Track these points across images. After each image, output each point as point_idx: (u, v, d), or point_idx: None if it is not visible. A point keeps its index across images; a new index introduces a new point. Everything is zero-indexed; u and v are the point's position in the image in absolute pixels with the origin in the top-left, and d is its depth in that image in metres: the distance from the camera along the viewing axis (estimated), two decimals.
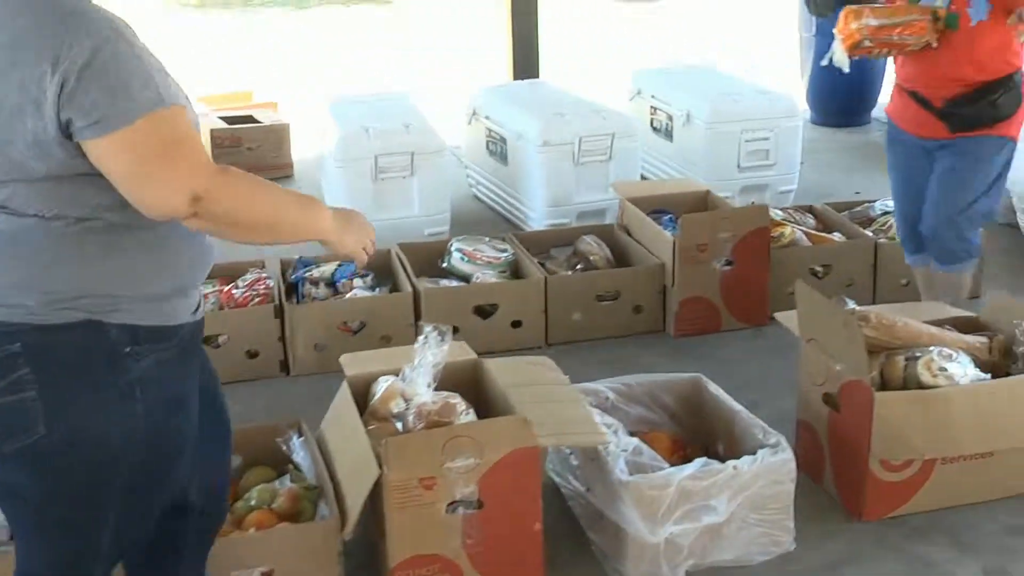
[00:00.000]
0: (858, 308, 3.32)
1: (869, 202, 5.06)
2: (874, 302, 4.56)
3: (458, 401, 2.99)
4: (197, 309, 2.16)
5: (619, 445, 2.98)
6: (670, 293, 4.39)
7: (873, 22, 3.56)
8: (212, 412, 2.32)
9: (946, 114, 3.70)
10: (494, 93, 6.04)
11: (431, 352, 2.98)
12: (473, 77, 8.00)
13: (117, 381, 2.00)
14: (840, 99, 7.56)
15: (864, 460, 3.11)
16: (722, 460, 2.99)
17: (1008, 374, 3.24)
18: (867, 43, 3.59)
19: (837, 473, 3.28)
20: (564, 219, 5.34)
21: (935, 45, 3.62)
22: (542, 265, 4.47)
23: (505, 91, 6.10)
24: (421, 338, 3.01)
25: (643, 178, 6.22)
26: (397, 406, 3.04)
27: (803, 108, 7.63)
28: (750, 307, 4.39)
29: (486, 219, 5.88)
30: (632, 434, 3.30)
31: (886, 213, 4.90)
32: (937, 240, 3.89)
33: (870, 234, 4.72)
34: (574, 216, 5.37)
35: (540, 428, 2.85)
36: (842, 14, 3.62)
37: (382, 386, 3.13)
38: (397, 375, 3.12)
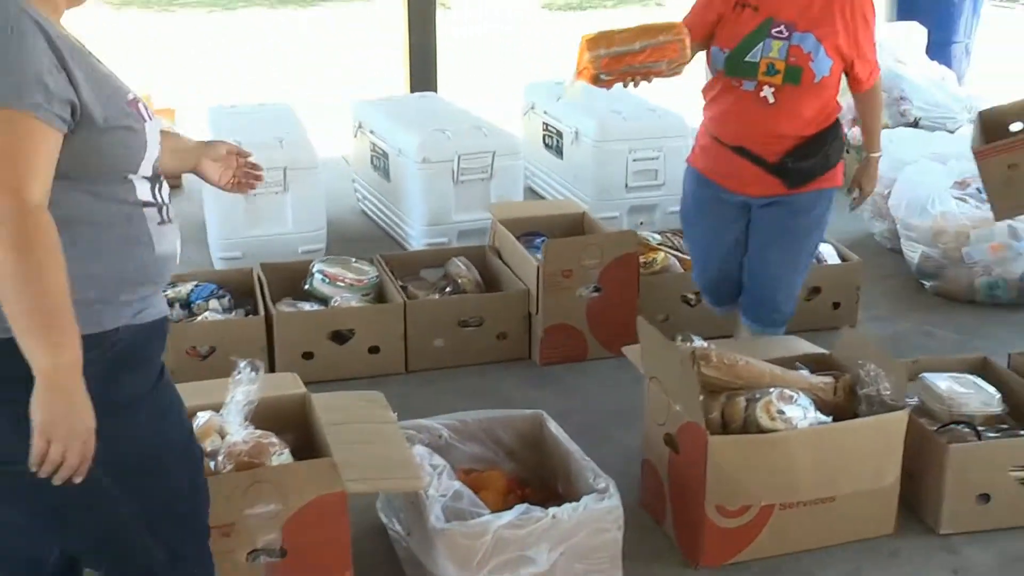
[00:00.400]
0: (703, 345, 3.21)
1: None
2: None
3: (271, 441, 2.83)
4: (141, 312, 2.01)
5: (439, 489, 2.84)
6: (535, 320, 4.26)
7: (606, 53, 3.16)
8: None
9: (782, 169, 3.47)
10: (378, 107, 5.89)
11: (242, 389, 2.83)
12: (391, 87, 7.80)
13: None
14: None
15: (700, 505, 3.00)
16: (562, 502, 2.87)
17: (856, 415, 3.14)
18: (604, 77, 3.20)
19: (676, 517, 3.16)
20: (443, 238, 5.21)
21: (731, 77, 3.41)
22: (403, 288, 4.33)
23: (389, 105, 5.94)
24: (234, 373, 2.86)
25: (537, 196, 6.14)
26: (212, 443, 2.87)
27: None
28: (617, 335, 4.24)
29: (371, 235, 5.74)
30: (468, 472, 3.19)
31: None
32: (767, 303, 3.70)
33: None
34: (454, 235, 5.23)
35: (353, 472, 2.71)
36: (581, 42, 3.22)
37: (200, 421, 2.97)
38: (219, 410, 2.96)
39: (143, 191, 2.02)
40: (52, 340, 1.79)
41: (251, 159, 2.56)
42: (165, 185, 2.11)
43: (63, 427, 1.81)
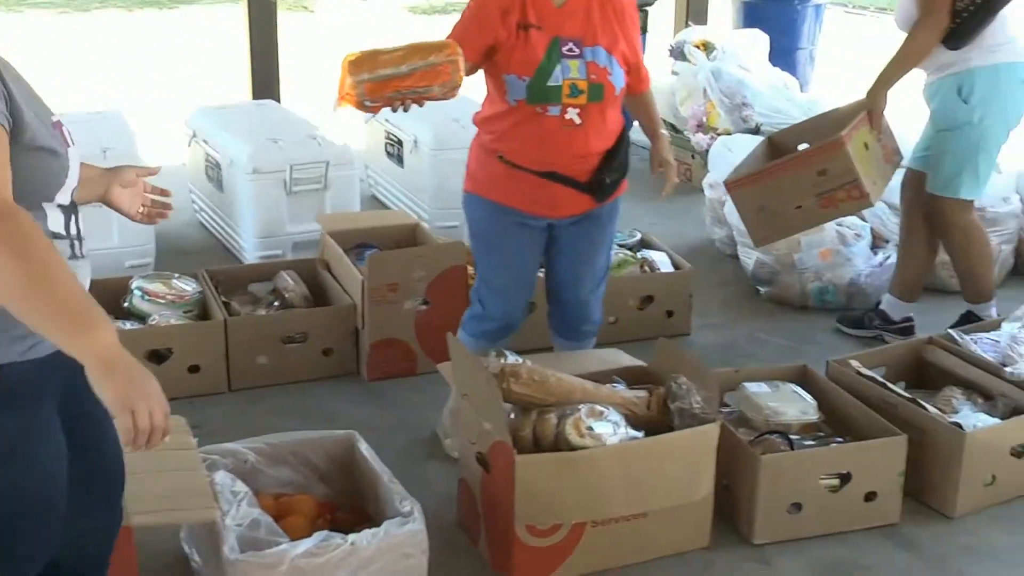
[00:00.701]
0: (516, 361, 3.15)
1: None
2: None
3: None
4: (34, 347, 1.88)
5: (235, 518, 2.74)
6: (362, 335, 4.17)
7: (369, 77, 2.88)
8: (87, 463, 2.06)
9: (595, 187, 3.37)
10: (213, 115, 5.74)
11: None
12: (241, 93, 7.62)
13: None
14: None
15: (510, 525, 2.95)
16: (374, 525, 2.80)
17: (671, 429, 3.12)
18: (368, 103, 2.93)
19: (489, 536, 3.11)
20: (277, 250, 5.09)
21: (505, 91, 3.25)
22: (227, 305, 4.20)
23: (224, 113, 5.79)
24: None
25: (382, 205, 6.06)
26: None
27: None
28: (447, 349, 4.18)
29: (207, 248, 5.59)
30: (277, 497, 3.09)
31: None
32: (581, 318, 3.65)
33: None
34: (288, 247, 5.12)
35: (143, 503, 2.61)
36: (342, 65, 2.93)
37: None
38: None
39: (55, 221, 1.91)
40: (87, 324, 1.73)
41: (153, 183, 2.47)
42: (81, 218, 2.00)
43: (138, 394, 1.75)
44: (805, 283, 4.92)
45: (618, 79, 3.30)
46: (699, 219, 5.81)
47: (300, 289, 4.36)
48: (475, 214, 3.51)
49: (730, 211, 5.24)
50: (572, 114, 3.25)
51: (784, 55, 7.47)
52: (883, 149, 4.13)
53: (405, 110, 3.01)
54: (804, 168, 3.96)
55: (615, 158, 3.38)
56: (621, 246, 4.78)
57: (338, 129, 5.60)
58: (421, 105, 3.01)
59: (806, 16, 7.85)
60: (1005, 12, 4.06)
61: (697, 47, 6.78)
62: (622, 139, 3.41)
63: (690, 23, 7.51)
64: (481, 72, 3.34)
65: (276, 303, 4.34)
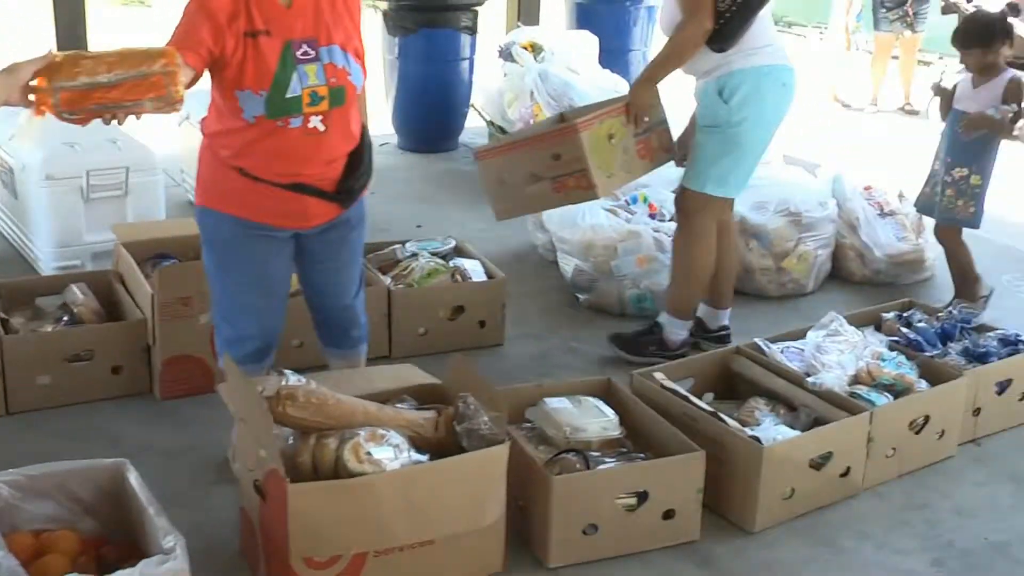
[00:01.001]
0: (297, 381, 2.98)
1: (400, 243, 4.78)
2: (390, 356, 4.31)
3: None
4: None
5: None
6: (154, 351, 3.96)
7: (66, 85, 2.53)
8: None
9: (342, 195, 3.20)
10: (6, 116, 5.37)
11: None
12: None
13: None
14: (426, 124, 7.37)
15: (287, 557, 2.78)
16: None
17: (463, 451, 2.99)
18: (67, 115, 2.57)
19: (268, 568, 2.94)
20: (76, 260, 4.83)
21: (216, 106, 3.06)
22: (4, 321, 3.94)
23: (18, 115, 5.46)
24: None
25: None
26: None
27: (389, 132, 7.46)
28: None
29: (4, 259, 5.27)
30: (39, 533, 2.87)
31: (415, 255, 4.66)
32: (349, 324, 3.50)
33: (387, 280, 4.43)
34: (88, 257, 4.85)
35: None
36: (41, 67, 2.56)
37: None
38: None
39: None
40: None
41: None
42: None
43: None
44: (623, 290, 4.86)
45: (357, 78, 3.11)
46: (525, 224, 5.70)
47: (91, 303, 4.12)
48: (215, 229, 3.23)
49: (548, 217, 5.16)
50: (315, 122, 3.04)
51: (616, 56, 7.45)
52: (642, 145, 4.08)
53: (120, 123, 2.70)
54: (541, 149, 3.96)
55: (361, 160, 3.21)
56: (433, 254, 4.65)
57: (148, 132, 5.34)
58: (138, 118, 2.71)
59: (638, 18, 7.84)
60: (766, 17, 4.08)
61: (525, 48, 6.68)
62: (364, 138, 3.25)
63: (520, 24, 7.42)
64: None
65: (65, 318, 4.09)
